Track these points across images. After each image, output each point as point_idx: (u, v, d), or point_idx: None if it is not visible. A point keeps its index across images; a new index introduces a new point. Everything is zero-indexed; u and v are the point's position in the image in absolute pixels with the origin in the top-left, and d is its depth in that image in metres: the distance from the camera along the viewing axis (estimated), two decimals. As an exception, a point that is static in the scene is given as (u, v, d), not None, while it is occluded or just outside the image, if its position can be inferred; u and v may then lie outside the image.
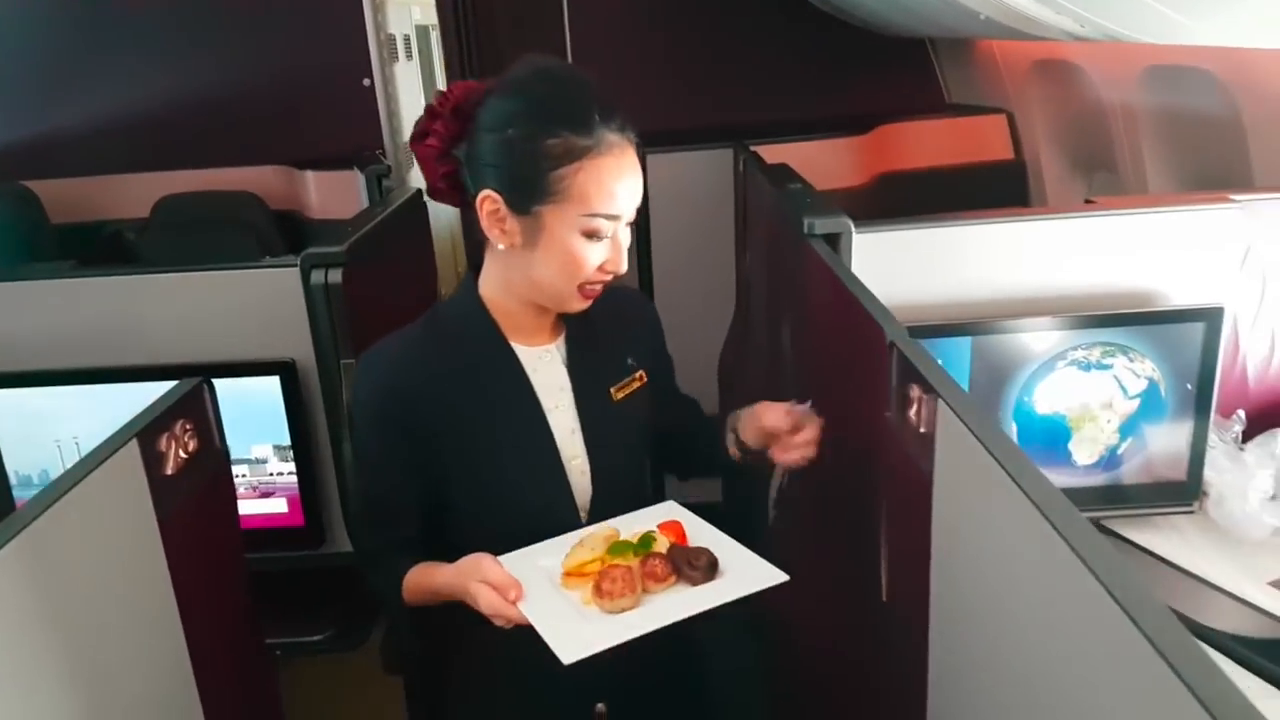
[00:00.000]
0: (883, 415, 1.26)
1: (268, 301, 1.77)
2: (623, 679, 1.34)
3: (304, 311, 1.72)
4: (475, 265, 1.38)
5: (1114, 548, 0.72)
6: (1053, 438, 1.81)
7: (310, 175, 3.25)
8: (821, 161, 3.18)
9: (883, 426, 1.25)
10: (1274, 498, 1.77)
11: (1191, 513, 1.84)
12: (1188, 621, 1.74)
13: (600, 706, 1.41)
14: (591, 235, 1.23)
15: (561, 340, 1.40)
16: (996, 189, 3.28)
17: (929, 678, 1.18)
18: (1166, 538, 1.83)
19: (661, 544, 1.25)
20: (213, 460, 1.31)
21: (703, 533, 1.29)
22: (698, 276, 3.20)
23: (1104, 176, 2.98)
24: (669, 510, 1.35)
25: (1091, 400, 1.78)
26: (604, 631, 1.10)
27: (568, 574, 1.21)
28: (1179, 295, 1.77)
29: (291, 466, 1.82)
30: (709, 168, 3.16)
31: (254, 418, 1.79)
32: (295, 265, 1.70)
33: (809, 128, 3.32)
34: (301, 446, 1.81)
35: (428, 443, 1.31)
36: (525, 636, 1.12)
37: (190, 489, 1.23)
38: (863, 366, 1.33)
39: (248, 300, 1.80)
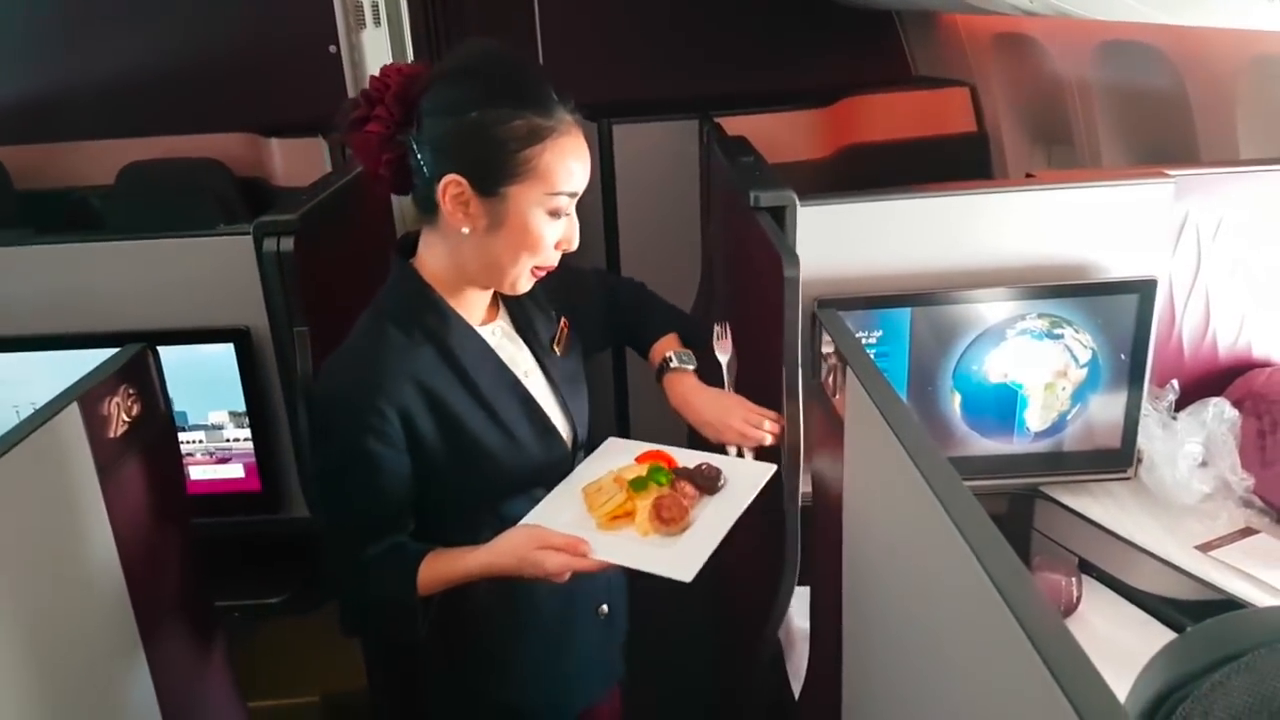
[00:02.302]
0: (810, 383, 1.31)
1: (222, 269, 1.79)
2: (609, 586, 1.53)
3: (257, 279, 1.74)
4: (402, 251, 1.38)
5: (987, 517, 0.75)
6: (1005, 405, 1.86)
7: (275, 143, 3.24)
8: (786, 133, 3.21)
9: (809, 394, 1.30)
10: (1204, 465, 1.82)
11: (1127, 479, 1.90)
12: (1119, 584, 1.81)
13: (604, 608, 1.54)
14: (554, 213, 1.28)
15: (502, 314, 1.46)
16: (959, 161, 3.31)
17: (843, 631, 1.23)
18: (1101, 503, 1.88)
19: (667, 473, 1.37)
20: (157, 424, 1.34)
21: (677, 454, 1.42)
22: (664, 248, 3.22)
23: (1062, 149, 3.02)
24: (616, 444, 1.46)
25: (1049, 368, 1.83)
26: (698, 545, 1.22)
27: (611, 518, 1.30)
28: (1117, 268, 1.81)
29: (247, 433, 1.85)
30: (675, 139, 3.18)
31: (210, 385, 1.81)
32: (248, 233, 1.72)
33: (776, 99, 3.33)
34: (257, 413, 1.84)
35: (419, 438, 1.30)
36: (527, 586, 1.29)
37: (134, 452, 1.26)
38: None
39: (202, 268, 1.82)
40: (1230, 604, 1.61)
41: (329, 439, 1.30)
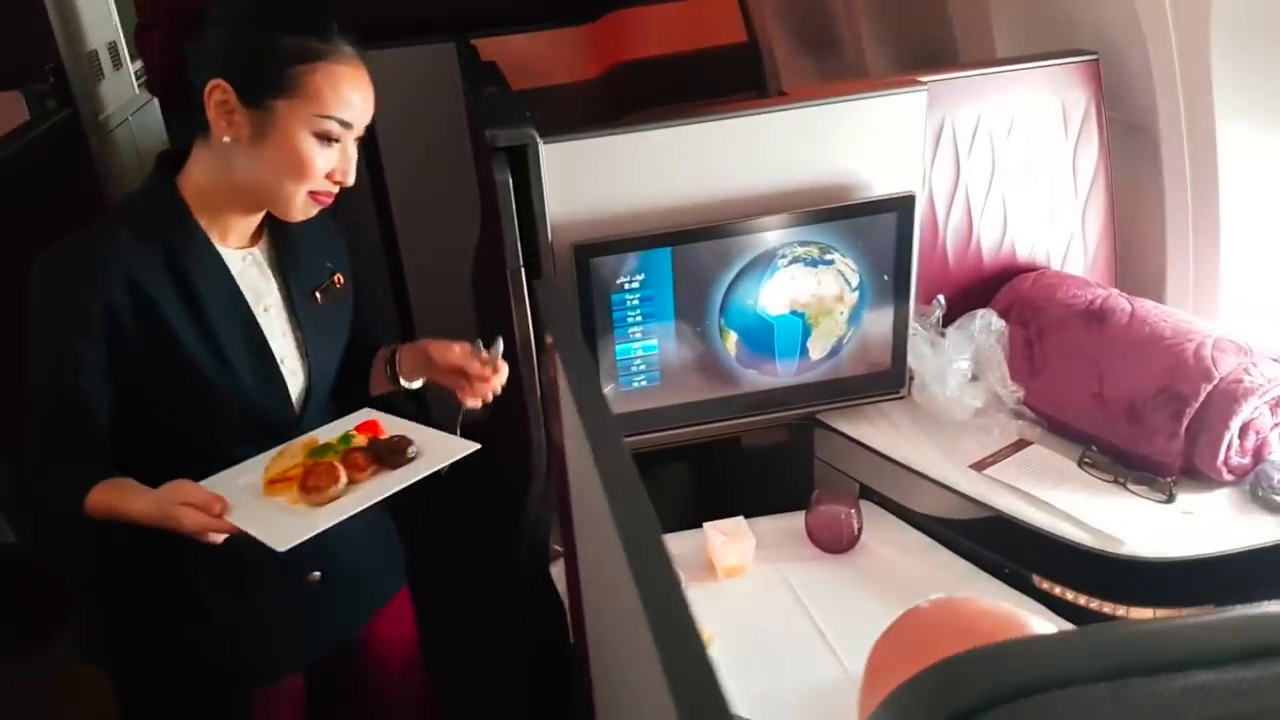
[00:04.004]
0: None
1: None
2: (331, 551, 1.39)
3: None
4: (166, 161, 1.33)
5: (637, 481, 0.70)
6: (791, 336, 1.79)
7: (-26, 98, 2.81)
8: (551, 53, 3.02)
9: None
10: (975, 379, 1.81)
11: (901, 399, 1.87)
12: (901, 509, 1.79)
13: (315, 574, 1.46)
14: (323, 137, 1.24)
15: (263, 244, 1.40)
16: (732, 74, 3.21)
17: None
18: (879, 427, 1.85)
19: (360, 441, 1.32)
20: None
21: (398, 427, 1.37)
22: (437, 187, 2.98)
23: (831, 58, 2.96)
24: (366, 414, 1.40)
25: (826, 294, 1.76)
26: (315, 517, 1.20)
27: (270, 482, 1.27)
28: (879, 184, 1.75)
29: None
30: (433, 66, 2.93)
31: None
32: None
33: (537, 16, 3.12)
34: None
35: (124, 344, 1.26)
36: (232, 544, 1.21)
37: None
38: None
39: None
40: (1004, 520, 1.60)
41: (35, 331, 1.26)
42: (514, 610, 2.12)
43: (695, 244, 1.66)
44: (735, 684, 1.46)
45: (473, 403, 1.43)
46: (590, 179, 1.64)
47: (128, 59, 3.28)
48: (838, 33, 2.73)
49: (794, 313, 1.78)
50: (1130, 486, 1.60)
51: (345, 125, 1.25)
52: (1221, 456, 1.55)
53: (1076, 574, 1.54)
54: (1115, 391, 1.65)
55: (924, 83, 1.70)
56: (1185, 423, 1.55)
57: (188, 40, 1.25)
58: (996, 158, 1.87)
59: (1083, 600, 1.54)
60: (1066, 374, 1.74)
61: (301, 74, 1.22)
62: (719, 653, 1.52)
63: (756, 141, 1.68)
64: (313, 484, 1.24)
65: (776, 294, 1.75)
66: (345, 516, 1.21)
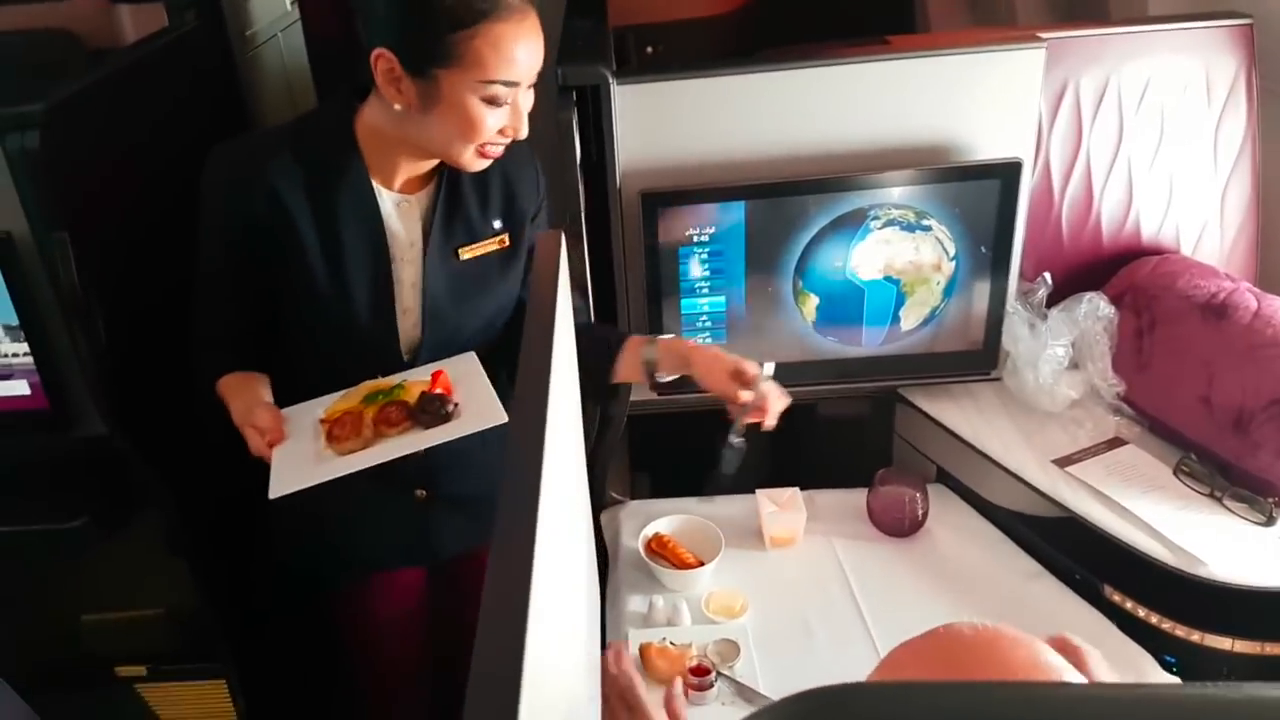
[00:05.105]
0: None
1: (-28, 168, 1.58)
2: (437, 474, 1.48)
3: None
4: (355, 88, 1.31)
5: None
6: (883, 303, 1.69)
7: (125, 9, 2.94)
8: (681, -14, 2.91)
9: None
10: (1074, 367, 1.67)
11: (993, 381, 1.75)
12: (975, 496, 1.68)
13: (420, 492, 1.50)
14: (491, 102, 1.21)
15: (426, 193, 1.38)
16: (882, 13, 3.02)
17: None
18: (962, 407, 1.74)
19: (412, 392, 1.29)
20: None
21: (469, 381, 1.33)
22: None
23: (985, 3, 2.74)
24: (464, 360, 1.38)
25: (924, 261, 1.65)
26: (313, 472, 1.22)
27: (323, 420, 1.29)
28: (985, 148, 1.61)
29: (25, 347, 1.68)
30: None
31: (-26, 296, 1.63)
32: (-11, 128, 1.50)
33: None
34: (33, 326, 1.66)
35: (260, 250, 1.31)
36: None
37: None
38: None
39: (-47, 168, 1.61)
40: (1078, 523, 1.48)
41: (199, 218, 1.34)
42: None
43: (773, 199, 1.57)
44: (758, 655, 1.42)
45: (742, 428, 1.41)
46: (666, 125, 1.57)
47: (283, -25, 3.37)
48: (990, -23, 2.53)
49: (888, 279, 1.67)
50: (1227, 503, 1.45)
51: (511, 85, 1.21)
52: (1334, 483, 1.38)
53: (1150, 590, 1.42)
54: (1224, 397, 1.49)
55: (1043, 39, 1.55)
56: (1296, 440, 1.39)
57: None
58: (1125, 126, 1.69)
59: (1154, 619, 1.41)
60: (1174, 372, 1.58)
61: (462, 40, 1.16)
62: (749, 622, 1.48)
63: (850, 93, 1.57)
64: (336, 433, 1.25)
65: (868, 258, 1.65)
66: (345, 472, 1.21)
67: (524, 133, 1.27)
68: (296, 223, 1.30)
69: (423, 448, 1.27)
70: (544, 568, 0.54)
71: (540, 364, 0.68)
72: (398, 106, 1.23)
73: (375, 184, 1.33)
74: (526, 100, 1.25)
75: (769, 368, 1.40)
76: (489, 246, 1.41)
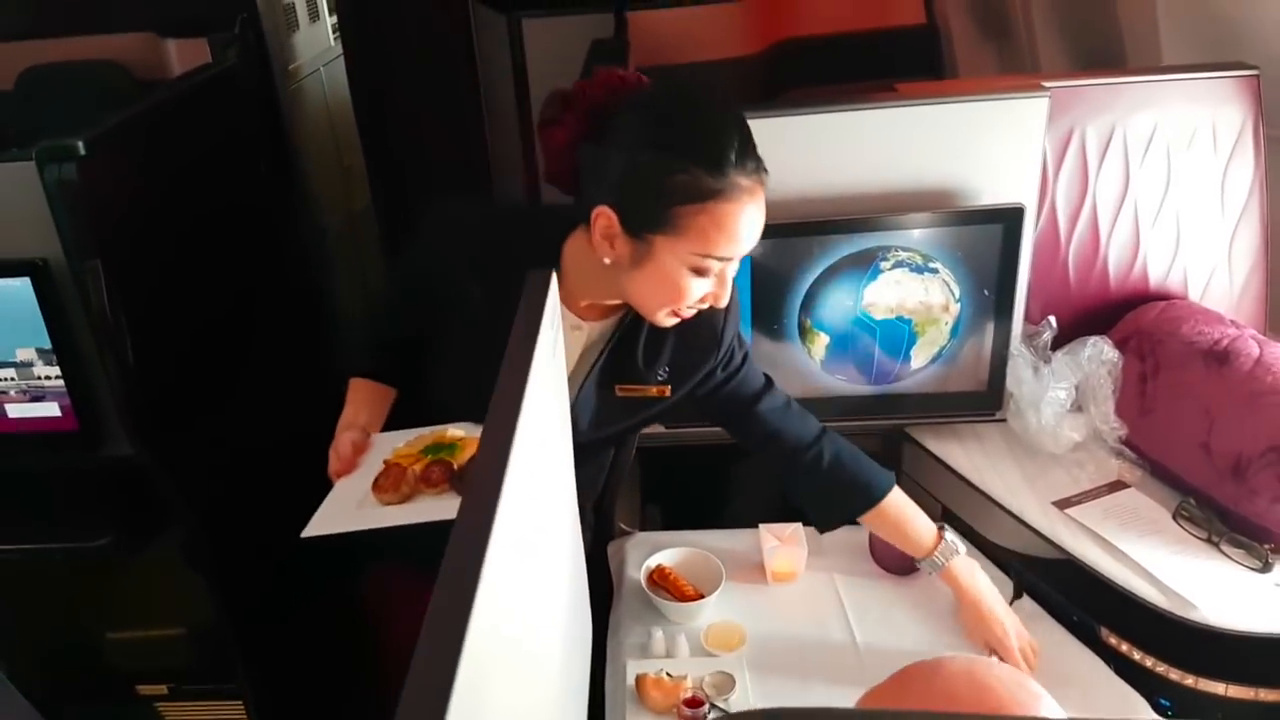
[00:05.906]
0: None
1: (11, 198, 1.65)
2: None
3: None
4: (571, 215, 1.31)
5: None
6: (895, 341, 1.72)
7: (172, 44, 3.06)
8: (710, 28, 2.97)
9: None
10: (1079, 409, 1.68)
11: (1002, 421, 1.76)
12: (977, 537, 1.69)
13: None
14: (700, 272, 1.20)
15: (604, 324, 1.39)
16: (907, 57, 3.06)
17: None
18: (967, 448, 1.76)
19: (467, 453, 1.28)
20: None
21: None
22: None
23: (1009, 49, 2.77)
24: None
25: (933, 302, 1.69)
26: (350, 519, 1.23)
27: (386, 461, 1.30)
28: (986, 193, 1.64)
29: (58, 370, 1.75)
30: (591, 35, 2.95)
31: (11, 320, 1.70)
32: (31, 159, 1.58)
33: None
34: (66, 349, 1.73)
35: (425, 308, 1.38)
36: None
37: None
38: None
39: (-7, 195, 1.69)
40: (1075, 566, 1.49)
41: (406, 249, 1.46)
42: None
43: (779, 239, 1.61)
44: (753, 689, 1.44)
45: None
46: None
47: (326, 12, 3.48)
48: (1013, 24, 2.56)
49: (900, 318, 1.70)
50: (1224, 548, 1.46)
51: (725, 260, 1.20)
52: (1330, 531, 1.38)
53: (1146, 634, 1.42)
54: (1223, 443, 1.50)
55: (1047, 88, 1.58)
56: (1292, 488, 1.40)
57: (587, 141, 1.23)
58: (1132, 172, 1.71)
59: (1149, 662, 1.42)
60: (1176, 417, 1.59)
61: (687, 214, 1.15)
62: (746, 655, 1.50)
63: (859, 138, 1.61)
64: (381, 482, 1.25)
65: (881, 297, 1.68)
66: (375, 526, 1.20)
67: (724, 302, 1.26)
68: (468, 313, 1.33)
69: (449, 517, 1.26)
70: (490, 605, 0.57)
71: (511, 405, 0.72)
72: (607, 260, 1.23)
73: (560, 303, 1.30)
74: (733, 270, 1.24)
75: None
76: (648, 391, 1.42)
